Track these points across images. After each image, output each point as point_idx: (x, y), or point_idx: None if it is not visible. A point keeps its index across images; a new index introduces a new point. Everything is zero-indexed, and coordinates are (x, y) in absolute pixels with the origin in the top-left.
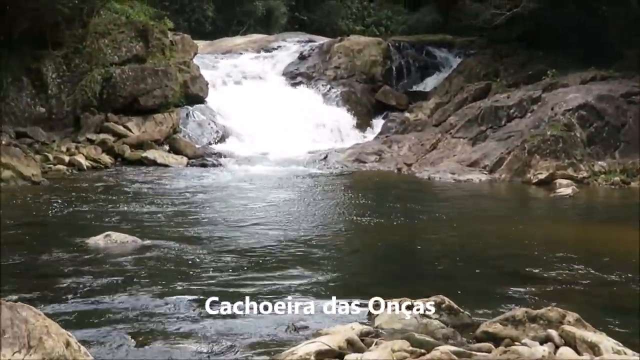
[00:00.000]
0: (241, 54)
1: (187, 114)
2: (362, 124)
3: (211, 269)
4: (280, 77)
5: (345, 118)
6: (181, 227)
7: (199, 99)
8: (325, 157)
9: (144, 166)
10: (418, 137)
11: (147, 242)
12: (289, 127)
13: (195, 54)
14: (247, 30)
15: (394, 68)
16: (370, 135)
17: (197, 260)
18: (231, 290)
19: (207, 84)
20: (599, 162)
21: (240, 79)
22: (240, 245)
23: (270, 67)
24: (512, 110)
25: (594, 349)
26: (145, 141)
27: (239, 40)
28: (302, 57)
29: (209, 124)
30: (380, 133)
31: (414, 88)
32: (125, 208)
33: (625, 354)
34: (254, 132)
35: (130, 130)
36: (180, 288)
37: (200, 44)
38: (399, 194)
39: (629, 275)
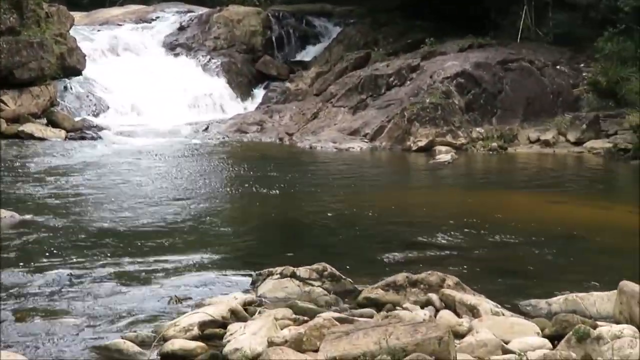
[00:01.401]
0: (119, 25)
1: (64, 87)
2: (243, 95)
3: (92, 245)
4: (159, 48)
5: (225, 89)
6: (61, 202)
7: (76, 72)
8: (207, 128)
9: (21, 140)
10: (299, 106)
11: (27, 217)
12: (169, 99)
13: (72, 25)
14: (124, 1)
15: (274, 38)
16: (251, 105)
17: (80, 236)
18: (112, 266)
19: (85, 56)
20: (477, 129)
21: (119, 51)
22: (123, 221)
23: (149, 38)
24: (391, 79)
25: (473, 311)
26: (22, 115)
27: (116, 11)
28: (181, 28)
29: (88, 96)
30: (262, 103)
31: (295, 58)
32: (2, 185)
33: (503, 314)
34: (134, 104)
35: (5, 104)
36: (60, 263)
37: (77, 15)
38: (281, 164)
39: (508, 238)
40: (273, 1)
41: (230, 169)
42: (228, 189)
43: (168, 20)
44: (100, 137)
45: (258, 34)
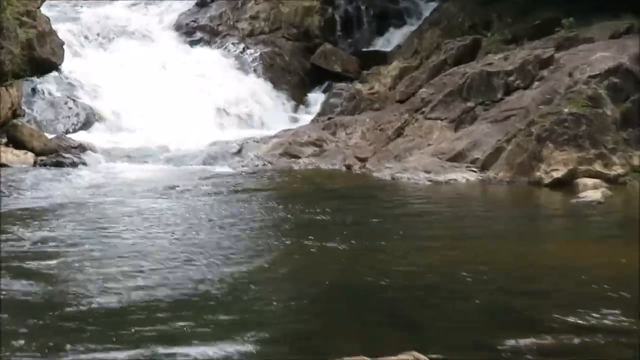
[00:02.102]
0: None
1: (33, 89)
2: (293, 101)
3: (74, 330)
4: (170, 32)
5: (267, 92)
6: (30, 266)
7: (50, 67)
8: (239, 151)
9: None
10: (375, 118)
11: None
12: (185, 107)
13: (44, 0)
14: None
15: (338, 18)
16: (305, 117)
17: (56, 316)
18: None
19: (63, 44)
20: None
21: (112, 37)
22: (120, 293)
23: (155, 19)
24: (511, 78)
25: None
26: None
27: None
28: (202, 4)
29: (67, 103)
30: (320, 114)
31: (370, 47)
32: None
33: None
34: (133, 115)
35: None
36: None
37: None
38: (350, 204)
39: None
40: None
41: (276, 211)
42: (273, 242)
43: None
44: (84, 164)
45: (315, 11)
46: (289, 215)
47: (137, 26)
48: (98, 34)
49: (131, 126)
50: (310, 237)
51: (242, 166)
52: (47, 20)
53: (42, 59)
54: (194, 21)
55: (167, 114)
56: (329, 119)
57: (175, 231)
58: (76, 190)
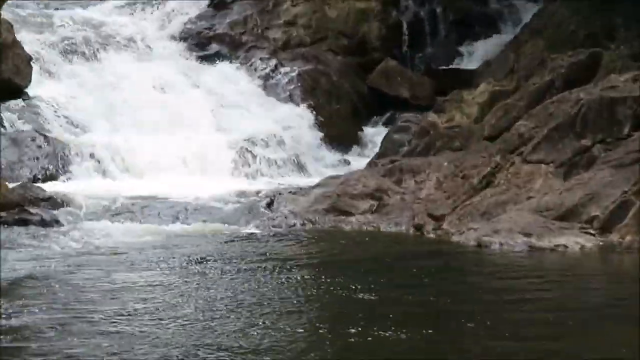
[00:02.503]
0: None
1: None
2: (343, 137)
3: None
4: (175, 44)
5: (307, 125)
6: None
7: (13, 90)
8: (270, 205)
9: None
10: (456, 161)
11: None
12: (196, 147)
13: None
14: None
15: (404, 24)
16: (358, 159)
17: None
18: None
19: (31, 59)
20: None
21: (97, 50)
22: None
23: (155, 26)
24: None
25: None
26: None
27: None
28: (219, 5)
29: (35, 139)
30: (380, 155)
31: (447, 65)
32: None
33: None
34: (126, 156)
35: None
36: None
37: None
38: (421, 281)
39: None
40: None
41: (319, 289)
42: (324, 339)
43: None
44: (57, 222)
45: (373, 15)
46: (340, 297)
47: (131, 35)
48: (78, 46)
49: (123, 171)
50: (371, 328)
51: (273, 226)
52: (10, 27)
53: (2, 80)
54: (208, 29)
55: (171, 155)
56: (392, 162)
57: (181, 320)
58: (45, 260)
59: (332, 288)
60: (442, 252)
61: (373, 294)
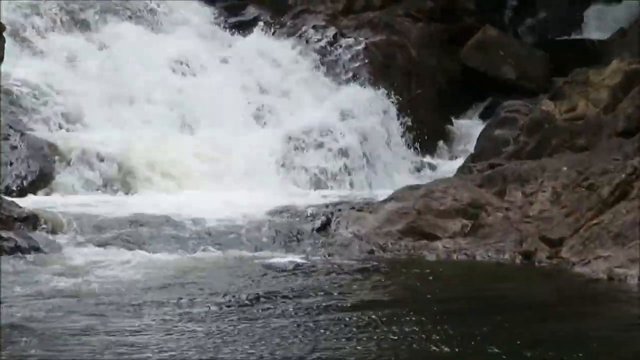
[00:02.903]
0: None
1: None
2: (426, 132)
3: None
4: (198, 7)
5: (377, 116)
6: None
7: None
8: (326, 226)
9: None
10: (578, 165)
11: None
12: (227, 145)
13: None
14: None
15: None
16: (445, 162)
17: None
18: None
19: (3, 28)
20: None
21: (95, 19)
22: None
23: None
24: None
25: None
26: None
27: None
28: None
29: (8, 138)
30: (476, 156)
31: (566, 35)
32: None
33: None
34: (130, 157)
35: None
36: None
37: None
38: (538, 330)
39: None
40: None
41: (398, 345)
42: None
43: None
44: (36, 249)
45: None
46: (421, 352)
47: None
48: (69, 12)
49: (125, 181)
50: None
51: (329, 254)
52: None
53: None
54: None
55: (189, 159)
56: (492, 166)
57: None
58: (18, 301)
59: (410, 341)
60: (564, 290)
61: (466, 350)
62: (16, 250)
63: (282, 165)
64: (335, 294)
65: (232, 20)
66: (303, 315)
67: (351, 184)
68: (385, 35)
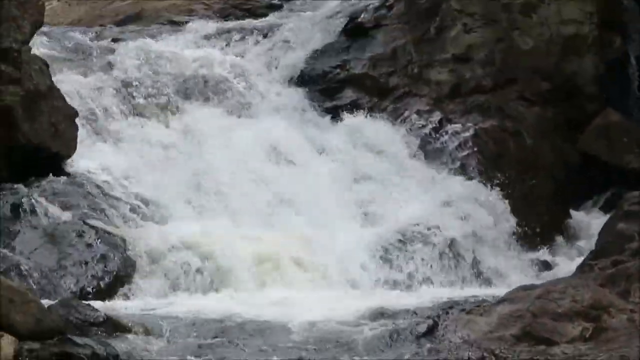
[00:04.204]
0: (179, 25)
1: (18, 206)
2: (542, 226)
3: None
4: (291, 89)
5: (488, 210)
6: None
7: (49, 161)
8: (432, 330)
9: None
10: None
11: None
12: (319, 241)
13: (39, 26)
14: None
15: (633, 60)
16: (563, 260)
17: None
18: None
19: (76, 115)
20: None
21: (172, 100)
22: None
23: (260, 62)
24: None
25: None
26: None
27: None
28: (356, 30)
29: (82, 235)
30: (598, 253)
31: None
32: None
33: None
34: (221, 257)
35: None
36: None
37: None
38: None
39: None
40: None
41: None
42: None
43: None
44: (116, 356)
45: (584, 46)
46: None
47: (224, 77)
48: (146, 93)
49: (213, 282)
50: None
51: None
52: (44, 67)
53: (32, 147)
54: (340, 67)
55: (282, 257)
56: (616, 263)
57: None
58: None
59: None
60: None
61: None
62: (93, 358)
63: (381, 263)
64: None
65: (328, 104)
66: None
67: (459, 283)
68: (496, 121)
